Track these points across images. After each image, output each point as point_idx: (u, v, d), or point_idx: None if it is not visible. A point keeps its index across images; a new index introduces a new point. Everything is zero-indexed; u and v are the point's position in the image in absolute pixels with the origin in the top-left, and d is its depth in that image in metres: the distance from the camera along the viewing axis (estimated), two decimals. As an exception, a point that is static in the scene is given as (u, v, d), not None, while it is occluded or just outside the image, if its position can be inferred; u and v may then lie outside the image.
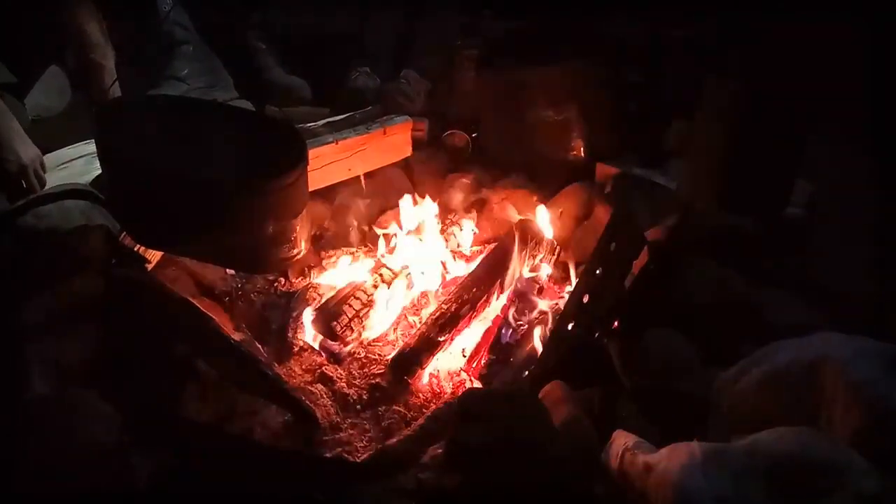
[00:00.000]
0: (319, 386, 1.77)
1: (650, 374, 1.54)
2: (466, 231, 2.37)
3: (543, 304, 2.08)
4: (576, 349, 1.67)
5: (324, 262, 2.27)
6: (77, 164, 2.14)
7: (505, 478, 1.26)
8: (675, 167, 2.37)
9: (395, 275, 2.03)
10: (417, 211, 2.29)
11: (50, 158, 2.17)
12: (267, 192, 1.66)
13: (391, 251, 2.21)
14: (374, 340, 1.95)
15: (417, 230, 2.25)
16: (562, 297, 2.09)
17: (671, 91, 2.50)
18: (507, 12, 2.87)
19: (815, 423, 1.14)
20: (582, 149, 2.52)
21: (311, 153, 1.92)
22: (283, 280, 2.19)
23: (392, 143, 2.50)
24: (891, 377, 1.07)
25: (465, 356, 1.91)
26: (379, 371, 1.81)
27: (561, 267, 2.24)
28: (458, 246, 2.34)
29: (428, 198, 2.32)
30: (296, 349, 1.91)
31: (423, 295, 2.13)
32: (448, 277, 2.19)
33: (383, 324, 1.98)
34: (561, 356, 1.66)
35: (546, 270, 2.18)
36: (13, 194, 1.86)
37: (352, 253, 2.33)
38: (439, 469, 1.36)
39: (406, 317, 2.05)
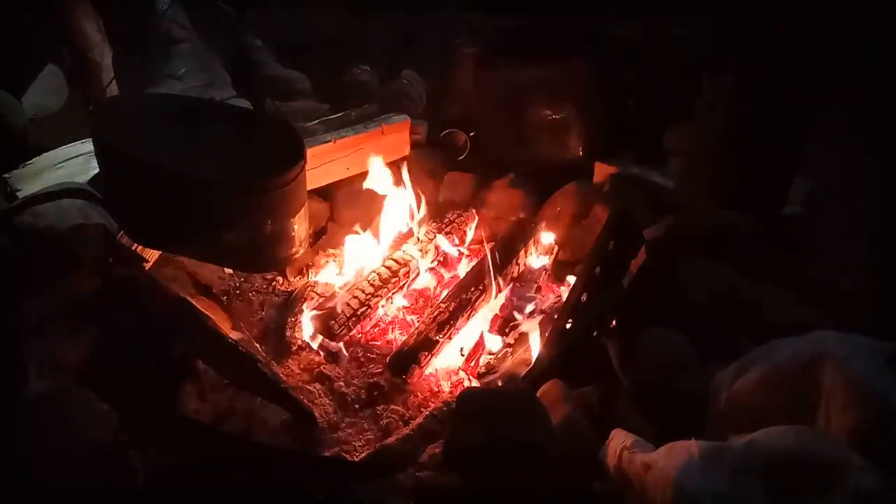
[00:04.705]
0: (318, 385, 1.77)
1: (648, 373, 1.54)
2: (464, 230, 2.36)
3: (542, 303, 2.08)
4: (574, 348, 1.67)
5: (322, 261, 2.27)
6: (74, 163, 2.14)
7: (503, 477, 1.26)
8: (674, 166, 2.37)
9: (393, 273, 2.03)
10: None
11: (47, 157, 2.17)
12: (265, 190, 1.66)
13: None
14: (372, 339, 1.95)
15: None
16: (560, 296, 2.09)
17: (669, 90, 2.49)
18: (506, 11, 2.87)
19: (812, 421, 1.14)
20: (580, 148, 2.52)
21: (310, 152, 1.92)
22: (281, 279, 2.19)
23: (390, 142, 2.49)
24: (888, 375, 1.07)
25: (463, 355, 1.91)
26: (377, 370, 1.81)
27: (559, 266, 2.24)
28: (457, 245, 2.34)
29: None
30: (294, 348, 1.91)
31: (422, 294, 2.13)
32: (446, 276, 2.19)
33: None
34: (559, 355, 1.67)
35: (544, 269, 2.18)
36: None
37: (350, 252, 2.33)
38: (438, 468, 1.36)
39: (405, 316, 2.05)
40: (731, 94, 2.01)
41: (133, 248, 1.82)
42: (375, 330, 2.00)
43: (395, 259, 2.06)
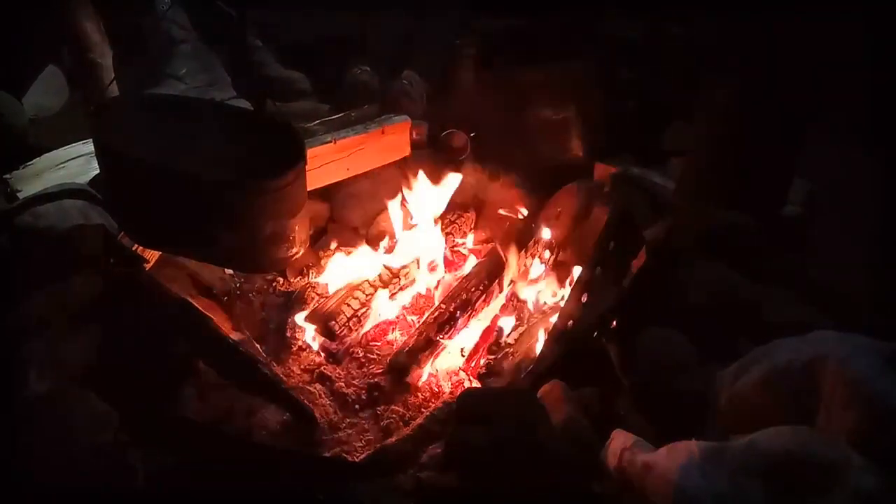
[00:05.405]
0: (318, 385, 1.78)
1: (649, 374, 1.54)
2: (465, 231, 2.37)
3: (542, 304, 2.08)
4: (574, 349, 1.67)
5: (322, 262, 2.27)
6: (75, 163, 2.14)
7: (503, 477, 1.26)
8: (674, 166, 2.37)
9: (394, 275, 2.03)
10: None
11: (48, 158, 2.17)
12: (265, 191, 1.65)
13: (390, 250, 2.21)
14: (372, 340, 1.95)
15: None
16: (561, 297, 2.09)
17: (670, 90, 2.50)
18: (506, 11, 2.87)
19: (813, 421, 1.14)
20: (580, 148, 2.52)
21: (310, 153, 1.91)
22: (281, 280, 2.19)
23: (390, 142, 2.49)
24: (888, 375, 1.07)
25: (463, 356, 1.91)
26: (377, 371, 1.81)
27: (560, 266, 2.24)
28: (457, 245, 2.34)
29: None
30: (294, 349, 1.91)
31: (422, 294, 2.13)
32: (447, 277, 2.19)
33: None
34: (560, 356, 1.66)
35: (545, 270, 2.18)
36: None
37: (350, 252, 2.33)
38: (438, 468, 1.36)
39: (405, 316, 2.05)
40: (731, 94, 2.01)
41: (133, 248, 1.82)
42: (376, 330, 2.00)
43: (396, 259, 2.07)
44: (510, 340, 1.93)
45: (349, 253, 2.25)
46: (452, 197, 2.52)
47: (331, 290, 2.07)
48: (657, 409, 1.48)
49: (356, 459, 1.55)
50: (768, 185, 2.08)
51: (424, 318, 1.92)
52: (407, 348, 1.79)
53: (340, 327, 1.85)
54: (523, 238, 2.13)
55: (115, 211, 1.79)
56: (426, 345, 1.79)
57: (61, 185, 1.86)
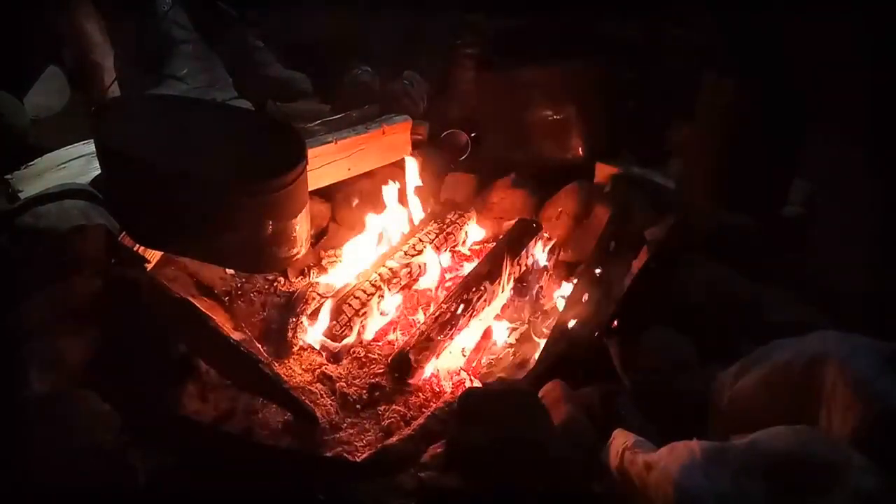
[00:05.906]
0: (319, 385, 1.78)
1: (649, 373, 1.54)
2: (465, 231, 2.37)
3: (543, 304, 2.08)
4: (575, 348, 1.67)
5: (323, 262, 2.27)
6: (76, 164, 2.14)
7: (504, 477, 1.26)
8: (675, 167, 2.37)
9: (395, 274, 2.03)
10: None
11: (49, 158, 2.17)
12: (266, 191, 1.66)
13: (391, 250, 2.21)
14: (374, 340, 1.95)
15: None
16: (561, 297, 2.09)
17: (670, 90, 2.50)
18: (506, 11, 2.87)
19: (814, 421, 1.14)
20: (581, 148, 2.52)
21: (311, 153, 1.92)
22: (282, 280, 2.19)
23: (391, 142, 2.50)
24: (889, 375, 1.07)
25: (465, 355, 1.91)
26: (379, 370, 1.81)
27: (561, 266, 2.24)
28: (458, 245, 2.34)
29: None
30: (295, 349, 1.91)
31: (424, 294, 2.13)
32: (448, 277, 2.19)
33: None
34: (560, 355, 1.67)
35: (546, 270, 2.18)
36: None
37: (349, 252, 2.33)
38: (439, 468, 1.36)
39: (406, 316, 2.05)
40: (731, 94, 2.01)
41: (134, 248, 1.82)
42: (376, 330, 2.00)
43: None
44: (511, 340, 1.93)
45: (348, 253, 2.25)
46: (452, 197, 2.53)
47: (332, 291, 2.07)
48: (657, 409, 1.48)
49: (357, 459, 1.55)
50: (768, 186, 2.08)
51: (426, 318, 1.92)
52: (408, 348, 1.79)
53: (342, 327, 1.85)
54: (524, 238, 2.13)
55: (116, 211, 1.79)
56: (428, 344, 1.79)
57: (62, 186, 1.86)
